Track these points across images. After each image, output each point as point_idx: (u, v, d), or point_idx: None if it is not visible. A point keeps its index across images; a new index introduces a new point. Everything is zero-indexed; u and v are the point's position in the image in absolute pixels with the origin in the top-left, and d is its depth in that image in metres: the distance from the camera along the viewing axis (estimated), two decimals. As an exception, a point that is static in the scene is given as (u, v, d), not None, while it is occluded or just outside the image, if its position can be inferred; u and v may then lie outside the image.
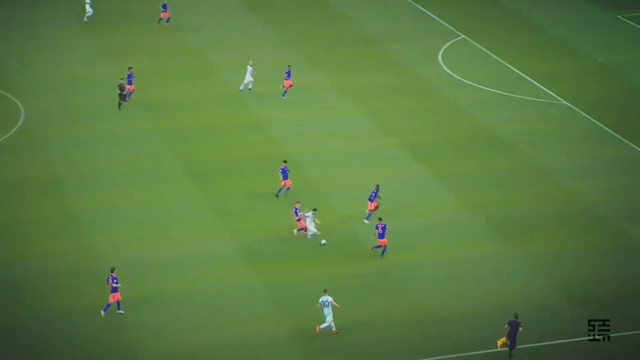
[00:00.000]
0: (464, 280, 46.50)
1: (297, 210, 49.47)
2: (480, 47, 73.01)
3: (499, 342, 41.65)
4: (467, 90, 66.64)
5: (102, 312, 43.62)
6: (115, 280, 43.47)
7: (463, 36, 75.23)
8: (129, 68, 63.71)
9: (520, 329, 41.14)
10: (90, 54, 71.33)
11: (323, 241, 48.95)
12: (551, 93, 66.08)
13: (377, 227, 47.62)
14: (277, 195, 53.12)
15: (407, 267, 47.41)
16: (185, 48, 73.10)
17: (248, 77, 64.87)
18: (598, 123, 61.91)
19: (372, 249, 48.02)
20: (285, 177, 53.08)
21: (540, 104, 64.78)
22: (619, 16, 79.47)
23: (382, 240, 47.48)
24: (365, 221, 50.77)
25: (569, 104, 64.45)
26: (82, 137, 59.37)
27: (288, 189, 53.18)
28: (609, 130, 60.97)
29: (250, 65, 65.18)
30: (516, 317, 41.46)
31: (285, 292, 45.64)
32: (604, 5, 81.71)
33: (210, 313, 44.08)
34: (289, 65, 65.46)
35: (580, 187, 54.36)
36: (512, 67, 69.99)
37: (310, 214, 49.51)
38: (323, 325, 42.74)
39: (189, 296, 45.17)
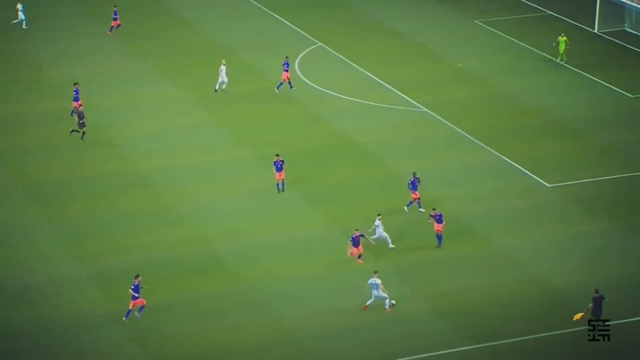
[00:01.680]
0: (327, 296, 45.57)
1: (356, 239, 47.01)
2: (338, 55, 72.42)
3: (577, 317, 42.66)
4: (325, 98, 65.99)
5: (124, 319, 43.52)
6: (136, 289, 43.26)
7: (320, 44, 74.50)
8: (75, 84, 61.36)
9: (605, 300, 42.56)
10: None
11: (393, 301, 45.68)
12: (410, 100, 65.79)
13: (431, 216, 48.44)
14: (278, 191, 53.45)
15: (268, 283, 46.17)
16: (23, 60, 71.39)
17: (222, 77, 64.41)
18: (459, 130, 61.79)
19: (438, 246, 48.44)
20: (279, 170, 53.02)
21: (399, 111, 64.39)
22: (476, 21, 79.88)
23: (439, 225, 48.19)
24: (405, 209, 51.90)
25: (429, 111, 64.24)
26: None
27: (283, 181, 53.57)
28: (470, 137, 60.91)
29: (224, 65, 64.61)
30: (597, 291, 42.58)
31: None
32: (461, 11, 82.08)
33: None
34: (286, 57, 64.98)
35: (442, 195, 53.92)
36: (370, 74, 69.51)
37: (377, 222, 48.71)
38: (368, 302, 43.98)
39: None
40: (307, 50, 73.70)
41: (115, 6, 76.05)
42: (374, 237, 48.82)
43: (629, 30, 77.69)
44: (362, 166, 57.35)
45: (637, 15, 76.95)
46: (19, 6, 77.05)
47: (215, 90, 65.18)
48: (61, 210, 52.26)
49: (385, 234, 48.91)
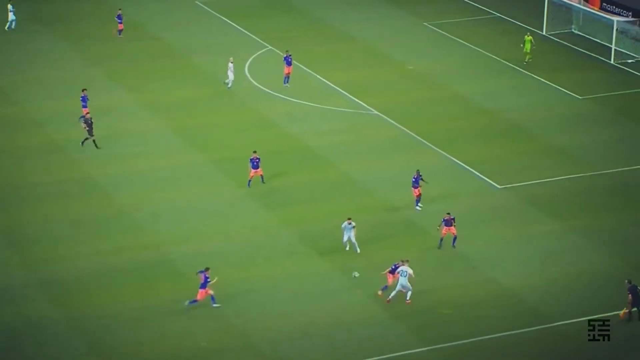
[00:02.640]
0: (281, 300, 45.45)
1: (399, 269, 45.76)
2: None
3: (621, 314, 43.35)
4: (276, 102, 65.78)
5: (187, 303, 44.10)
6: (207, 279, 44.04)
7: (269, 47, 74.37)
8: (83, 90, 60.69)
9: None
10: None
11: (356, 273, 46.89)
12: (361, 103, 65.86)
13: (444, 220, 48.68)
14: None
15: (222, 288, 45.74)
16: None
17: (230, 75, 65.31)
18: (410, 132, 61.93)
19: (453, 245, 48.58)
20: (255, 167, 53.82)
21: (350, 114, 64.42)
22: (425, 23, 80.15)
23: (448, 227, 48.43)
24: (418, 208, 52.28)
25: (380, 113, 64.30)
26: None
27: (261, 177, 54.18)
28: (421, 139, 61.05)
29: (231, 62, 65.44)
30: (630, 282, 43.51)
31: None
32: (410, 13, 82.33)
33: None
34: (287, 51, 65.39)
35: (394, 198, 54.01)
36: (320, 77, 69.47)
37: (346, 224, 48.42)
38: (393, 293, 44.41)
39: None
40: (257, 53, 73.55)
41: (120, 9, 75.41)
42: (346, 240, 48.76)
43: (576, 32, 78.41)
44: (314, 169, 57.25)
45: (584, 17, 77.69)
46: (9, 6, 76.29)
47: (228, 87, 66.09)
48: (8, 217, 51.58)
49: (353, 239, 48.74)
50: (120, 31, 75.43)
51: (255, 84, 68.50)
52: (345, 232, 48.77)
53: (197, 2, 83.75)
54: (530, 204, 53.83)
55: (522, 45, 71.99)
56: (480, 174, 56.90)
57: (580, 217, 52.62)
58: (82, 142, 58.33)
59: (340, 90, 67.77)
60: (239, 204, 53.39)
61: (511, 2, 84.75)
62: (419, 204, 52.79)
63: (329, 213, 52.26)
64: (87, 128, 58.15)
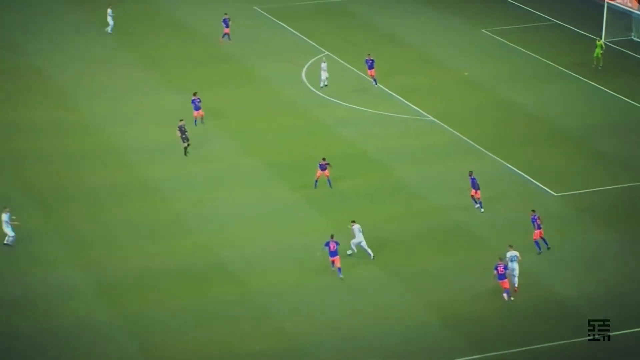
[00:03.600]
0: (332, 305, 45.32)
1: (502, 267, 45.61)
2: (344, 63, 72.25)
3: None
4: (332, 107, 65.77)
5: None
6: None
7: (327, 52, 74.46)
8: (194, 93, 61.36)
9: None
10: None
11: (319, 253, 47.59)
12: (417, 108, 65.62)
13: (532, 219, 48.76)
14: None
15: (274, 291, 46.06)
16: (30, 68, 71.52)
17: (324, 74, 66.27)
18: (465, 138, 61.60)
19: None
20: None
21: (406, 119, 64.21)
22: (483, 30, 79.76)
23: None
24: (482, 209, 52.41)
25: (435, 119, 64.02)
26: None
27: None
28: (475, 144, 60.69)
29: (324, 62, 66.71)
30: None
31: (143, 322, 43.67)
32: (468, 19, 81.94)
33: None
34: (368, 54, 66.96)
35: (448, 204, 53.74)
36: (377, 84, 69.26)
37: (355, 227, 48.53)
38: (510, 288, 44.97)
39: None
40: (315, 58, 73.59)
41: (226, 14, 76.12)
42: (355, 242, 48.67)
43: (636, 39, 77.60)
44: (368, 174, 57.14)
45: (644, 24, 77.03)
46: (109, 10, 77.42)
47: (321, 87, 66.86)
48: (63, 218, 51.96)
49: (355, 241, 48.70)
50: (225, 35, 75.55)
51: (311, 88, 68.50)
52: (357, 236, 48.54)
53: (255, 7, 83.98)
54: (585, 211, 53.27)
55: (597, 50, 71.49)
56: (536, 180, 56.43)
57: (636, 227, 51.91)
58: (185, 152, 58.44)
59: (396, 95, 67.60)
60: (292, 207, 53.36)
61: (570, 9, 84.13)
62: (479, 206, 52.73)
63: (383, 218, 52.13)
64: (182, 135, 58.35)
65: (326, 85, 67.08)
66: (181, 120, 58.90)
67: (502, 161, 58.66)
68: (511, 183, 56.37)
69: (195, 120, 61.41)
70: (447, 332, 43.47)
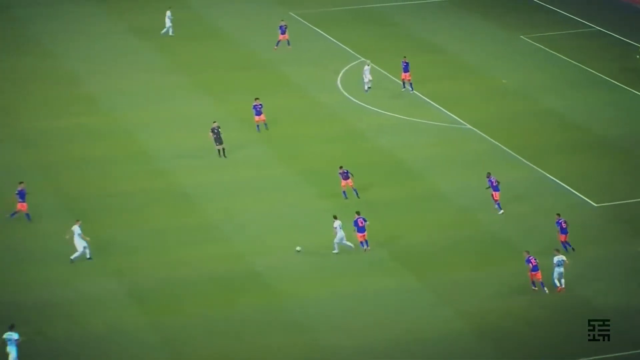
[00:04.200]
0: (366, 315, 45.29)
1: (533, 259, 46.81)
2: (380, 70, 72.02)
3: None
4: (368, 114, 65.72)
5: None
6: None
7: (362, 59, 74.24)
8: (256, 99, 61.94)
9: None
10: None
11: (298, 248, 48.96)
12: (453, 116, 65.41)
13: (557, 223, 49.65)
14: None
15: (308, 301, 46.06)
16: (63, 74, 71.54)
17: (367, 77, 66.53)
18: (502, 146, 61.27)
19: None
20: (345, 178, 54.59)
21: (442, 127, 63.89)
22: (522, 36, 79.30)
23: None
24: (501, 210, 52.82)
25: (472, 127, 63.75)
26: None
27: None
28: (513, 153, 60.42)
29: (368, 65, 67.01)
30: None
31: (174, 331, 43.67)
32: (506, 26, 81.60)
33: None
34: (404, 57, 67.24)
35: (486, 213, 53.47)
36: (414, 91, 68.98)
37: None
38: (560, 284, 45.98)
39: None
40: (350, 65, 73.42)
41: (282, 20, 76.44)
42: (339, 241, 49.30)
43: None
44: (403, 182, 57.05)
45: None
46: (168, 12, 77.97)
47: (365, 91, 67.33)
48: (96, 225, 52.17)
49: (338, 239, 49.36)
50: (279, 42, 75.70)
51: (347, 95, 68.36)
52: (338, 233, 49.03)
53: (291, 13, 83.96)
54: (626, 223, 52.79)
55: (638, 57, 70.73)
56: (576, 190, 56.04)
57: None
58: (223, 153, 58.97)
59: (433, 103, 67.40)
60: (326, 216, 53.06)
61: (612, 16, 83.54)
62: (499, 207, 53.08)
63: (416, 227, 52.08)
64: (215, 137, 58.65)
65: (370, 89, 67.37)
66: (214, 122, 59.15)
67: (540, 170, 58.40)
68: (549, 193, 56.09)
69: (258, 126, 61.94)
70: (478, 342, 43.38)
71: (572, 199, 55.34)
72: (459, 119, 65.01)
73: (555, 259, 46.24)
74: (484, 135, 62.71)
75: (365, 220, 49.38)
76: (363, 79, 67.83)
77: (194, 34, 79.74)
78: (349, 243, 49.64)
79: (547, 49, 76.83)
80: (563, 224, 49.41)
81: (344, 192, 54.71)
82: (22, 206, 51.44)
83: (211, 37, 79.44)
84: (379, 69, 72.28)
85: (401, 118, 65.21)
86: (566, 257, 46.81)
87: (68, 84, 70.62)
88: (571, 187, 56.36)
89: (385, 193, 55.75)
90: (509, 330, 44.16)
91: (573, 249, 49.31)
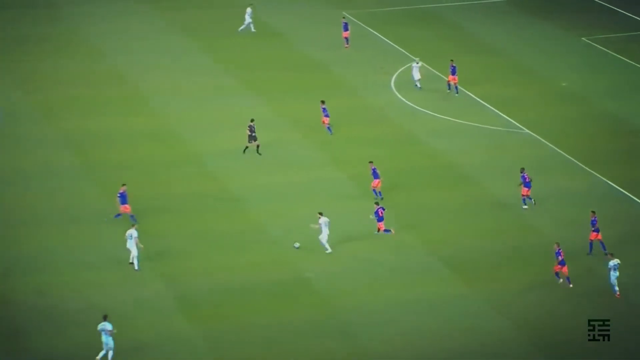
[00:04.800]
0: (418, 321, 44.87)
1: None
2: (436, 72, 71.18)
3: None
4: (422, 117, 65.21)
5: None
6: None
7: (417, 60, 73.29)
8: (322, 102, 62.42)
9: None
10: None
11: (297, 244, 49.34)
12: (511, 120, 64.56)
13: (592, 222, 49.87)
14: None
15: (358, 309, 45.65)
16: (116, 76, 71.69)
17: (417, 75, 67.26)
18: (561, 151, 60.43)
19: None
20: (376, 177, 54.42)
21: (498, 131, 62.94)
22: (583, 38, 78.09)
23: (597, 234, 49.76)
24: (525, 206, 53.38)
25: (531, 132, 62.94)
26: None
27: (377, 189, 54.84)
28: (572, 159, 59.63)
29: (417, 64, 68.02)
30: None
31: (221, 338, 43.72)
32: (567, 28, 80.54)
33: None
34: (452, 60, 66.97)
35: (543, 221, 52.69)
36: (470, 93, 68.32)
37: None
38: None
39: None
40: (404, 67, 72.68)
41: (343, 17, 76.39)
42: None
43: None
44: (455, 187, 56.39)
45: None
46: (249, 10, 78.54)
47: (418, 88, 67.99)
48: (145, 228, 51.72)
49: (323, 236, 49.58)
50: (346, 39, 76.21)
51: (400, 97, 67.78)
52: (323, 230, 49.27)
53: (344, 12, 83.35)
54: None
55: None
56: (637, 197, 55.07)
57: None
58: (257, 150, 59.39)
59: (488, 106, 66.70)
60: (374, 221, 52.40)
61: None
62: (527, 203, 53.13)
63: (467, 233, 51.64)
64: (250, 134, 58.99)
65: (419, 88, 67.35)
66: (252, 120, 59.33)
67: (601, 177, 57.53)
68: (610, 201, 55.23)
69: (329, 127, 62.02)
70: (531, 351, 42.91)
71: (635, 208, 54.23)
72: (515, 123, 64.04)
73: (611, 263, 46.12)
74: (542, 140, 61.74)
75: (384, 209, 50.45)
76: (413, 77, 67.88)
77: (248, 34, 79.18)
78: (326, 244, 49.60)
79: (609, 51, 75.75)
80: (597, 224, 49.50)
81: (378, 192, 54.38)
82: (125, 209, 52.04)
83: (265, 37, 78.98)
84: (434, 70, 71.46)
85: (455, 121, 64.49)
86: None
87: (116, 85, 70.46)
88: (635, 196, 55.28)
89: (436, 198, 55.17)
90: (563, 341, 43.44)
91: (606, 253, 48.52)
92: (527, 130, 63.14)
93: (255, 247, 50.48)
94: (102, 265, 48.93)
